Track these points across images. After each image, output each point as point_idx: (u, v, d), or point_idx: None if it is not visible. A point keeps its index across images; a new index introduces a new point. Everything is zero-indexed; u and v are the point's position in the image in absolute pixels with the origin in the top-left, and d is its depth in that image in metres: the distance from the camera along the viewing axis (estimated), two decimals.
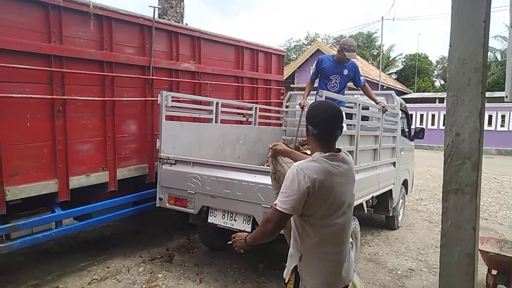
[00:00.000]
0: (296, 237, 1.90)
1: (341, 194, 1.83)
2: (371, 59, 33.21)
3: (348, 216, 1.92)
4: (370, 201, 4.60)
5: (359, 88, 4.96)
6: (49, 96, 3.58)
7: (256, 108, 5.66)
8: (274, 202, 1.80)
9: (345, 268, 1.91)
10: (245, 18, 67.59)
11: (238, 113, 5.63)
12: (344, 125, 4.37)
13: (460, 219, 1.89)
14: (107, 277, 3.97)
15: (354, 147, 3.93)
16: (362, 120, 4.17)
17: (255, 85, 6.33)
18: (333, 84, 4.78)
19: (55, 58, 3.60)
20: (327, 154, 1.82)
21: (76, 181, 3.84)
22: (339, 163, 1.84)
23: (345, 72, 4.77)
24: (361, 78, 4.90)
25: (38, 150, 3.53)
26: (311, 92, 5.01)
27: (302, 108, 4.91)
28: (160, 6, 4.40)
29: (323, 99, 3.25)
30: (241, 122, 5.62)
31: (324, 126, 1.84)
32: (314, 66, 4.89)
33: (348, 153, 1.97)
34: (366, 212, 4.55)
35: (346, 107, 4.68)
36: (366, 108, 4.73)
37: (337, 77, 4.77)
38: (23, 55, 3.35)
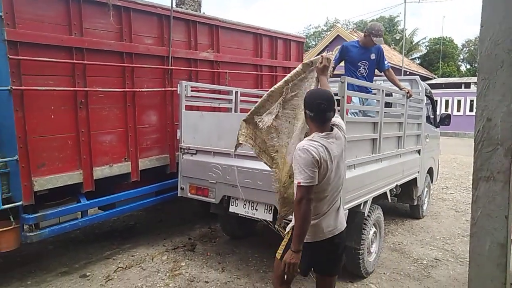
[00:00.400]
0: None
1: (337, 164, 2.23)
2: (393, 44, 32.31)
3: (340, 180, 2.31)
4: (394, 189, 4.49)
5: (383, 72, 4.80)
6: (71, 88, 3.63)
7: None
8: (298, 181, 2.09)
9: (330, 225, 2.29)
10: (263, 6, 66.85)
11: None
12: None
13: (491, 208, 1.81)
14: (132, 265, 4.05)
15: (377, 135, 3.83)
16: (385, 106, 4.06)
17: (274, 73, 6.26)
18: (362, 70, 4.62)
19: (77, 50, 3.64)
20: (323, 134, 2.20)
21: (100, 171, 3.91)
22: (333, 139, 2.22)
23: (372, 56, 4.62)
24: (386, 62, 4.73)
25: (62, 142, 3.61)
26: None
27: None
28: None
29: (345, 85, 3.15)
30: None
31: (318, 110, 2.19)
32: (337, 52, 4.74)
33: (341, 128, 2.33)
34: (390, 201, 4.45)
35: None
36: (389, 94, 4.60)
37: (366, 63, 4.62)
38: (45, 48, 3.40)
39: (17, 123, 3.25)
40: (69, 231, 3.96)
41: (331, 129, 2.25)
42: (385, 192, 4.16)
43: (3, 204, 3.22)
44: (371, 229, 3.89)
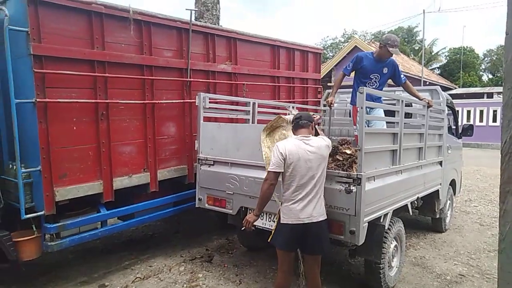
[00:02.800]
0: (281, 191, 3.05)
1: (306, 161, 2.89)
2: (412, 54, 31.95)
3: (314, 180, 2.91)
4: (415, 202, 4.38)
5: (400, 86, 4.74)
6: (93, 100, 3.72)
7: (292, 107, 5.58)
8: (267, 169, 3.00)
9: (306, 212, 2.89)
10: (281, 18, 67.29)
11: (275, 113, 5.57)
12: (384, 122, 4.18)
13: None
14: (149, 275, 4.06)
15: (397, 146, 3.76)
16: (405, 117, 3.99)
17: (291, 84, 6.26)
18: (373, 83, 4.58)
19: (98, 64, 3.73)
20: (298, 136, 3.03)
21: (120, 182, 3.96)
22: (308, 142, 2.96)
23: (385, 70, 4.57)
24: (402, 76, 4.67)
25: (84, 153, 3.68)
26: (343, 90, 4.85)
27: (330, 106, 4.78)
28: (197, 9, 4.42)
29: (364, 95, 3.12)
30: None
31: (295, 123, 3.12)
32: (351, 62, 4.71)
33: (324, 139, 3.07)
34: (411, 213, 4.33)
35: (389, 104, 4.51)
36: (409, 104, 4.52)
37: (377, 76, 4.58)
38: (68, 61, 3.50)
39: (41, 135, 3.34)
40: (89, 240, 4.00)
41: (308, 136, 3.00)
42: (406, 205, 4.06)
43: (26, 214, 3.29)
44: (392, 243, 3.79)
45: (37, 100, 3.28)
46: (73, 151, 3.59)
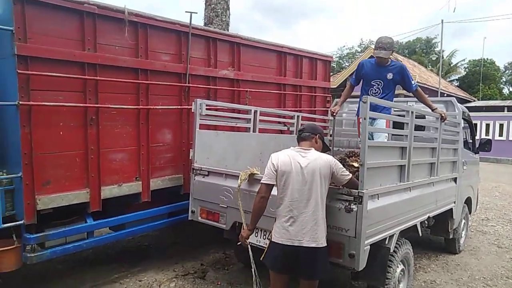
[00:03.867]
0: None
1: (300, 175, 2.67)
2: (429, 65, 31.29)
3: (309, 197, 2.66)
4: (426, 222, 4.05)
5: (412, 93, 4.43)
6: (82, 104, 3.53)
7: (298, 116, 5.32)
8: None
9: (297, 232, 2.63)
10: (300, 28, 67.18)
11: (279, 122, 5.33)
12: (386, 135, 3.88)
13: None
14: None
15: (405, 161, 3.45)
16: (416, 129, 3.68)
17: (298, 93, 6.00)
18: (375, 90, 4.27)
19: (89, 66, 3.56)
20: (296, 147, 2.86)
21: (108, 191, 3.75)
22: (306, 155, 2.76)
23: (389, 76, 4.23)
24: (412, 82, 4.31)
25: (70, 159, 3.49)
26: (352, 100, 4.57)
27: (333, 115, 4.51)
28: (196, 12, 4.23)
29: (367, 105, 2.85)
30: (281, 132, 5.31)
31: (297, 135, 2.98)
32: (355, 71, 4.44)
33: (324, 155, 2.84)
34: (421, 235, 3.97)
35: (398, 115, 4.20)
36: (421, 116, 4.20)
37: (380, 82, 4.26)
38: (56, 63, 3.33)
39: (23, 139, 3.16)
40: (72, 252, 3.78)
41: (309, 149, 2.82)
42: (415, 225, 3.73)
43: (3, 223, 3.10)
44: (398, 267, 3.46)
45: (20, 102, 3.11)
46: (58, 157, 3.40)
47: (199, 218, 3.90)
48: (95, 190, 3.65)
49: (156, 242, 5.47)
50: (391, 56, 4.28)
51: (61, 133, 3.41)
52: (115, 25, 3.74)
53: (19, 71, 3.09)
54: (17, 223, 3.18)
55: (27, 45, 3.14)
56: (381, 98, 4.17)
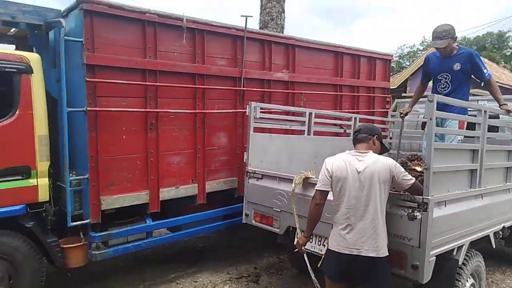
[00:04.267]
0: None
1: (357, 181, 2.52)
2: (502, 62, 28.73)
3: (367, 204, 2.50)
4: (501, 232, 3.67)
5: (484, 83, 3.94)
6: (143, 110, 3.69)
7: (355, 118, 5.12)
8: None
9: (355, 240, 2.48)
10: (358, 27, 65.26)
11: (335, 124, 5.17)
12: (460, 137, 3.57)
13: None
14: None
15: (477, 165, 3.15)
16: (489, 131, 3.35)
17: (356, 94, 5.79)
18: (443, 85, 3.90)
19: (150, 73, 3.71)
20: (352, 150, 2.70)
21: (166, 192, 3.88)
22: (363, 159, 2.59)
23: (456, 66, 3.79)
24: (485, 71, 3.82)
25: (132, 162, 3.66)
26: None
27: (402, 117, 4.25)
28: (251, 16, 4.25)
29: (434, 104, 2.63)
30: (337, 134, 5.14)
31: (353, 136, 2.82)
32: (422, 67, 4.13)
33: (383, 157, 2.63)
34: (494, 246, 3.61)
35: (469, 115, 3.85)
36: (495, 116, 3.82)
37: (446, 76, 3.87)
38: (120, 70, 3.52)
39: (90, 143, 3.37)
40: (135, 251, 3.95)
41: (366, 152, 2.65)
42: (488, 236, 3.39)
43: (72, 221, 3.33)
44: (467, 281, 3.17)
45: (88, 108, 3.32)
46: (121, 160, 3.58)
47: (253, 221, 3.89)
48: (154, 191, 3.79)
49: (211, 244, 5.56)
50: (455, 45, 3.88)
51: (124, 137, 3.59)
52: (174, 32, 3.87)
53: (87, 79, 3.31)
54: (84, 221, 3.40)
55: (94, 54, 3.36)
56: (450, 93, 3.83)
